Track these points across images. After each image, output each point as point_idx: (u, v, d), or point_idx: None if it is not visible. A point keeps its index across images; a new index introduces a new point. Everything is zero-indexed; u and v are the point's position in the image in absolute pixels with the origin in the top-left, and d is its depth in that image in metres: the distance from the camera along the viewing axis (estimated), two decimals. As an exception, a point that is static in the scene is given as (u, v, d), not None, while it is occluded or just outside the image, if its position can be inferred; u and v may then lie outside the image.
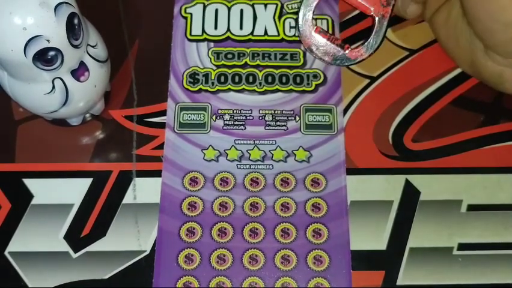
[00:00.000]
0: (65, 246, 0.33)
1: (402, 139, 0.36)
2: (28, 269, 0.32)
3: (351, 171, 0.35)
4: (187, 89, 0.37)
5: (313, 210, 0.34)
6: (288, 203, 0.34)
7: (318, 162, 0.35)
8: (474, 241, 0.33)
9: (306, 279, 0.32)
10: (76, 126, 0.36)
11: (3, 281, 0.32)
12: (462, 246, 0.33)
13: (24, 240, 0.33)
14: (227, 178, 0.34)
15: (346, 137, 0.35)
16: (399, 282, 0.32)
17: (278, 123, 0.36)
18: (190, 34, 0.39)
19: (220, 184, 0.34)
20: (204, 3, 0.39)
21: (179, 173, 0.34)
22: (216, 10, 0.39)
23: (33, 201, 0.34)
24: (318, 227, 0.33)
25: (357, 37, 0.38)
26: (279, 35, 0.39)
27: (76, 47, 0.30)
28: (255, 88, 0.37)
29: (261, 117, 0.36)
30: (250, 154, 0.35)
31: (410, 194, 0.34)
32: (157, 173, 0.34)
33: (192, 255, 0.32)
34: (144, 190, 0.34)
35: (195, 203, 0.34)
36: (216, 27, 0.39)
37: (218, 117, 0.36)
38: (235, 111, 0.36)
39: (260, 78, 0.37)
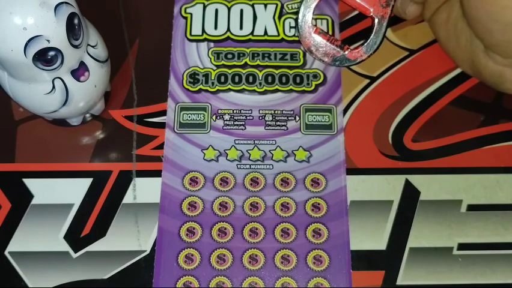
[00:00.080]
0: (65, 246, 0.33)
1: (402, 139, 0.36)
2: (28, 269, 0.32)
3: (351, 171, 0.35)
4: (187, 89, 0.37)
5: (313, 210, 0.34)
6: (288, 203, 0.34)
7: (318, 162, 0.35)
8: (474, 241, 0.33)
9: (306, 279, 0.32)
10: (76, 126, 0.36)
11: (3, 281, 0.32)
12: (462, 246, 0.33)
13: (24, 240, 0.33)
14: (227, 178, 0.34)
15: (346, 137, 0.35)
16: (399, 282, 0.32)
17: (278, 123, 0.36)
18: (190, 34, 0.39)
19: (220, 184, 0.34)
20: (204, 3, 0.39)
21: (179, 173, 0.34)
22: (216, 10, 0.39)
23: (33, 201, 0.34)
24: (318, 227, 0.33)
25: (357, 37, 0.38)
26: (279, 35, 0.39)
27: (76, 47, 0.30)
28: (255, 88, 0.37)
29: (261, 117, 0.36)
30: (250, 154, 0.35)
31: (410, 194, 0.34)
32: (157, 173, 0.34)
33: (192, 255, 0.32)
34: (144, 190, 0.34)
35: (195, 203, 0.34)
36: (216, 27, 0.39)
37: (218, 117, 0.36)
38: (235, 111, 0.36)
39: (260, 78, 0.37)
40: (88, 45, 0.32)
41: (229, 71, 0.37)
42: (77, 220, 0.33)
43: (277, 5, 0.39)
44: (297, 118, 0.36)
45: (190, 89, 0.37)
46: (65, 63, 0.30)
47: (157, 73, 0.37)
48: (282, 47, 0.38)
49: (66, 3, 0.29)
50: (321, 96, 0.37)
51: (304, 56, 0.38)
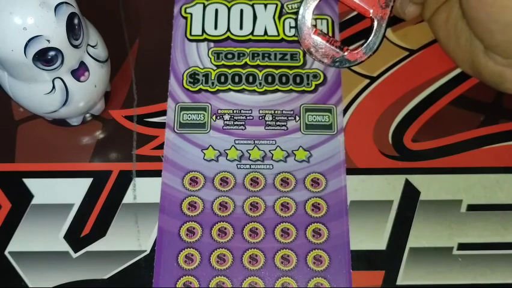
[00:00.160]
0: (65, 246, 0.33)
1: (402, 139, 0.36)
2: (28, 269, 0.32)
3: (351, 171, 0.35)
4: (187, 89, 0.37)
5: (313, 210, 0.34)
6: (288, 203, 0.34)
7: (318, 162, 0.35)
8: (474, 241, 0.33)
9: (306, 279, 0.32)
10: (76, 126, 0.36)
11: (3, 281, 0.32)
12: (462, 246, 0.33)
13: (24, 240, 0.33)
14: (227, 178, 0.34)
15: (346, 137, 0.35)
16: (399, 282, 0.32)
17: (278, 123, 0.36)
18: (190, 34, 0.39)
19: (220, 184, 0.34)
20: (204, 3, 0.39)
21: (179, 173, 0.34)
22: (216, 10, 0.39)
23: (33, 201, 0.34)
24: (318, 227, 0.33)
25: (357, 37, 0.38)
26: (279, 35, 0.39)
27: (76, 47, 0.30)
28: (255, 88, 0.37)
29: (261, 117, 0.36)
30: (250, 154, 0.35)
31: (410, 194, 0.34)
32: (157, 173, 0.34)
33: (192, 255, 0.32)
34: (144, 190, 0.34)
35: (195, 202, 0.34)
36: (216, 27, 0.39)
37: (218, 117, 0.36)
38: (235, 111, 0.36)
39: (260, 78, 0.37)
40: (88, 45, 0.32)
41: (229, 71, 0.37)
42: (77, 220, 0.33)
43: (277, 5, 0.39)
44: (297, 118, 0.36)
45: (190, 89, 0.37)
46: (65, 63, 0.30)
47: (157, 73, 0.37)
48: (282, 47, 0.38)
49: (66, 3, 0.29)
50: (321, 96, 0.37)
51: (304, 56, 0.38)
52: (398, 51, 0.38)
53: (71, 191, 0.34)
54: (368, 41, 0.32)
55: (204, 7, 0.39)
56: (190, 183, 0.34)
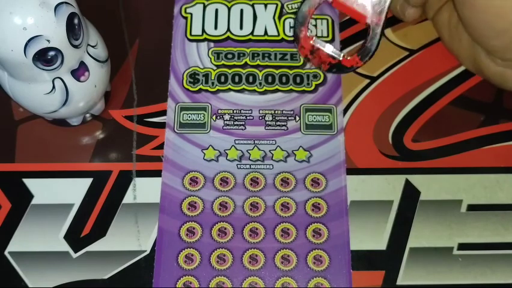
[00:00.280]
0: (65, 246, 0.33)
1: (402, 139, 0.36)
2: (28, 269, 0.32)
3: (351, 171, 0.35)
4: (187, 89, 0.37)
5: (313, 210, 0.34)
6: (288, 203, 0.34)
7: (318, 162, 0.35)
8: (474, 241, 0.33)
9: (306, 279, 0.32)
10: (76, 126, 0.36)
11: (3, 281, 0.32)
12: (462, 246, 0.33)
13: (24, 240, 0.33)
14: (227, 178, 0.34)
15: (346, 137, 0.35)
16: (399, 282, 0.32)
17: (278, 123, 0.36)
18: (190, 34, 0.39)
19: (220, 184, 0.34)
20: (204, 3, 0.39)
21: (179, 173, 0.34)
22: (216, 10, 0.39)
23: (33, 201, 0.34)
24: (318, 227, 0.33)
25: (356, 37, 0.38)
26: (279, 35, 0.39)
27: (76, 47, 0.30)
28: (255, 88, 0.37)
29: (261, 117, 0.36)
30: (250, 154, 0.35)
31: (410, 194, 0.34)
32: (157, 173, 0.34)
33: (192, 255, 0.32)
34: (144, 190, 0.34)
35: (195, 203, 0.34)
36: (216, 27, 0.39)
37: (218, 117, 0.36)
38: (235, 111, 0.36)
39: (260, 78, 0.37)
40: (88, 45, 0.32)
41: (229, 71, 0.37)
42: (77, 220, 0.33)
43: (277, 5, 0.39)
44: (297, 118, 0.36)
45: (190, 89, 0.37)
46: (65, 63, 0.30)
47: (157, 73, 0.37)
48: (282, 47, 0.38)
49: (66, 3, 0.29)
50: (321, 96, 0.37)
51: (304, 56, 0.38)
52: (398, 51, 0.38)
53: (71, 191, 0.34)
54: (363, 47, 0.33)
55: (204, 7, 0.39)
56: (190, 183, 0.34)
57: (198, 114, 0.36)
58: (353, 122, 0.36)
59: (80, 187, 0.34)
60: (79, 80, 0.32)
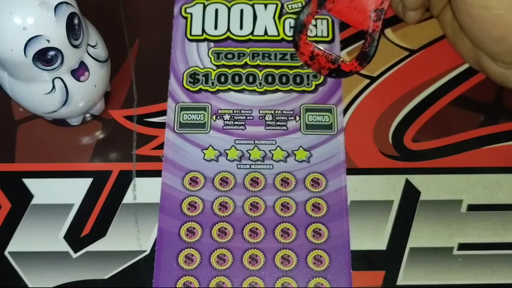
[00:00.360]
0: (65, 246, 0.33)
1: (402, 139, 0.36)
2: (28, 269, 0.32)
3: (351, 171, 0.35)
4: (187, 89, 0.37)
5: (314, 210, 0.34)
6: (288, 203, 0.34)
7: (318, 162, 0.35)
8: (474, 241, 0.33)
9: (306, 279, 0.32)
10: (76, 126, 0.36)
11: (3, 281, 0.32)
12: (462, 246, 0.33)
13: (24, 240, 0.33)
14: (227, 178, 0.34)
15: (346, 137, 0.35)
16: (399, 282, 0.32)
17: (278, 123, 0.36)
18: (190, 34, 0.39)
19: (220, 184, 0.34)
20: (204, 3, 0.39)
21: (179, 173, 0.34)
22: (216, 10, 0.39)
23: (33, 201, 0.34)
24: (318, 227, 0.33)
25: (356, 37, 0.38)
26: (279, 35, 0.39)
27: (76, 47, 0.30)
28: (255, 88, 0.37)
29: (261, 117, 0.36)
30: (250, 154, 0.35)
31: (410, 194, 0.34)
32: (157, 173, 0.34)
33: (192, 255, 0.32)
34: (144, 190, 0.34)
35: (195, 203, 0.34)
36: (216, 27, 0.39)
37: (218, 117, 0.36)
38: (235, 111, 0.36)
39: (260, 78, 0.37)
40: (88, 45, 0.32)
41: (229, 71, 0.37)
42: (77, 220, 0.33)
43: (277, 5, 0.39)
44: (297, 118, 0.36)
45: (190, 89, 0.37)
46: (65, 63, 0.30)
47: (157, 73, 0.37)
48: (282, 47, 0.38)
49: (66, 3, 0.29)
50: (321, 96, 0.37)
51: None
52: (398, 51, 0.38)
53: (71, 191, 0.34)
54: (362, 52, 0.33)
55: (204, 7, 0.39)
56: (190, 183, 0.34)
57: (198, 114, 0.36)
58: (353, 122, 0.36)
59: (80, 187, 0.34)
60: (79, 80, 0.32)
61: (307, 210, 0.34)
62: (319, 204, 0.34)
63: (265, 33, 0.39)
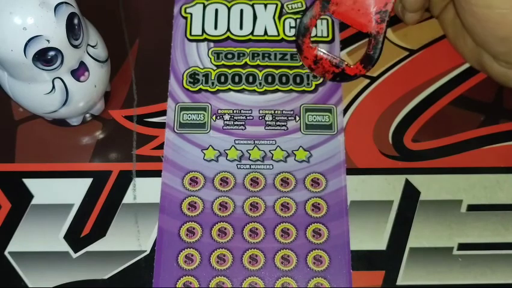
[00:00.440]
0: (65, 246, 0.33)
1: (402, 139, 0.36)
2: (28, 269, 0.32)
3: (351, 171, 0.35)
4: (187, 89, 0.37)
5: (313, 210, 0.34)
6: (288, 203, 0.34)
7: (318, 162, 0.35)
8: (474, 241, 0.33)
9: (306, 279, 0.32)
10: (76, 126, 0.36)
11: (3, 281, 0.32)
12: (462, 246, 0.33)
13: (24, 240, 0.33)
14: (227, 178, 0.34)
15: (346, 137, 0.35)
16: (399, 282, 0.32)
17: (278, 123, 0.36)
18: (190, 34, 0.39)
19: (220, 184, 0.34)
20: (204, 3, 0.39)
21: (179, 173, 0.34)
22: (216, 10, 0.39)
23: (33, 201, 0.34)
24: (318, 227, 0.33)
25: (357, 37, 0.38)
26: (279, 35, 0.39)
27: (76, 47, 0.30)
28: (255, 88, 0.37)
29: (261, 117, 0.36)
30: (250, 154, 0.35)
31: (410, 194, 0.34)
32: (157, 173, 0.34)
33: (192, 255, 0.32)
34: (144, 190, 0.34)
35: (195, 203, 0.34)
36: (216, 27, 0.39)
37: (218, 117, 0.36)
38: (235, 111, 0.36)
39: (260, 78, 0.37)
40: (88, 45, 0.32)
41: (229, 71, 0.37)
42: (77, 220, 0.33)
43: (277, 5, 0.39)
44: (297, 118, 0.36)
45: (190, 89, 0.37)
46: (65, 63, 0.30)
47: (157, 73, 0.37)
48: (282, 47, 0.38)
49: (66, 3, 0.29)
50: (321, 96, 0.37)
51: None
52: (398, 51, 0.38)
53: (71, 191, 0.34)
54: (366, 56, 0.33)
55: (204, 7, 0.39)
56: (190, 183, 0.34)
57: (198, 114, 0.36)
58: (353, 122, 0.36)
59: (80, 187, 0.34)
60: (78, 80, 0.32)
61: (307, 210, 0.34)
62: (319, 204, 0.34)
63: (265, 33, 0.39)
